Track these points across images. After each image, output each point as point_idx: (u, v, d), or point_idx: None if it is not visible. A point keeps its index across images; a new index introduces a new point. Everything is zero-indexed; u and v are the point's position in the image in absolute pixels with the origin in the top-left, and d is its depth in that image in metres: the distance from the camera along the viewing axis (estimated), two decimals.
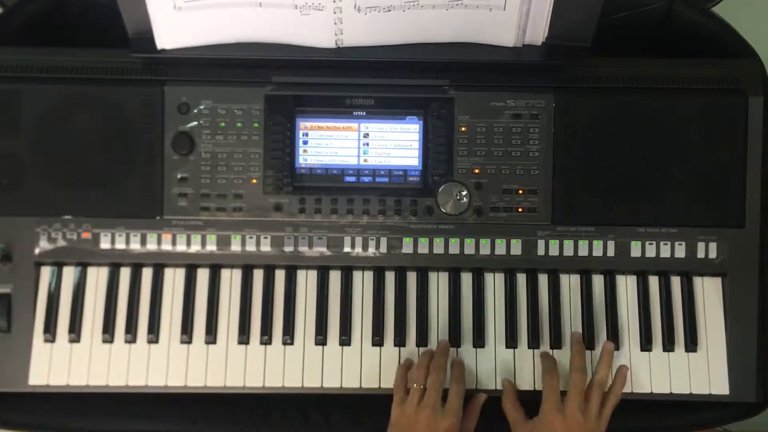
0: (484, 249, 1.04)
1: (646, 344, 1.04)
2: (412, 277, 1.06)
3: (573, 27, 0.99)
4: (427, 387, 0.96)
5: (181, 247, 1.04)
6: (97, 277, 1.04)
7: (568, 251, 1.04)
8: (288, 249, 1.04)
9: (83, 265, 1.04)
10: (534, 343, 1.03)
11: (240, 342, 1.03)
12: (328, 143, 1.05)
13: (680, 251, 1.04)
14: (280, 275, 1.05)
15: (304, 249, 1.04)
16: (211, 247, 1.04)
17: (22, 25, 1.10)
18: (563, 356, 1.03)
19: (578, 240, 1.04)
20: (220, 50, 1.01)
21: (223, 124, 1.04)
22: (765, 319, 1.04)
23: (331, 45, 1.01)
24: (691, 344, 1.04)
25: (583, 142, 1.04)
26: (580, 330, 1.04)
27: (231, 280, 1.05)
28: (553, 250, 1.04)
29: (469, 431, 0.98)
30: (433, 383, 0.96)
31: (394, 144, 1.05)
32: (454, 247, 1.04)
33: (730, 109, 1.04)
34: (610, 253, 1.04)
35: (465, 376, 1.00)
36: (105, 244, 1.03)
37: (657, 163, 1.04)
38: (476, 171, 1.04)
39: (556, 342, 1.04)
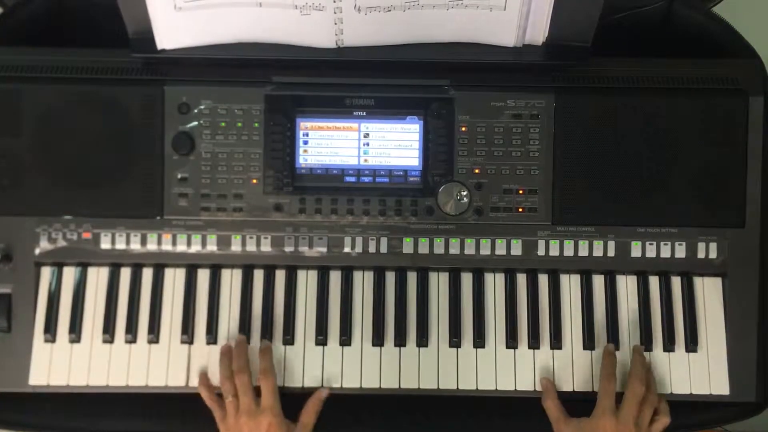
0: (485, 249, 1.04)
1: (646, 345, 1.04)
2: (412, 278, 1.06)
3: (573, 27, 0.99)
4: (238, 393, 0.97)
5: (181, 247, 1.04)
6: (97, 278, 1.04)
7: (569, 251, 1.04)
8: (288, 249, 1.04)
9: (83, 266, 1.04)
10: (534, 343, 1.03)
11: None
12: (328, 143, 1.05)
13: (680, 251, 1.04)
14: (280, 275, 1.05)
15: (304, 249, 1.04)
16: (212, 247, 1.04)
17: (22, 25, 1.10)
18: (564, 357, 1.03)
19: (578, 240, 1.04)
20: (220, 50, 1.01)
21: (223, 124, 1.04)
22: (765, 319, 1.04)
23: (332, 45, 1.01)
24: (692, 344, 1.04)
25: (583, 142, 1.04)
26: (580, 330, 1.04)
27: (231, 280, 1.05)
28: (554, 251, 1.04)
29: (307, 423, 0.98)
30: (241, 388, 0.97)
31: (394, 144, 1.05)
32: (454, 248, 1.04)
33: (730, 109, 1.04)
34: (611, 253, 1.04)
35: (272, 365, 1.00)
36: (105, 244, 1.03)
37: (657, 163, 1.04)
38: (476, 171, 1.04)
39: (557, 342, 1.04)
